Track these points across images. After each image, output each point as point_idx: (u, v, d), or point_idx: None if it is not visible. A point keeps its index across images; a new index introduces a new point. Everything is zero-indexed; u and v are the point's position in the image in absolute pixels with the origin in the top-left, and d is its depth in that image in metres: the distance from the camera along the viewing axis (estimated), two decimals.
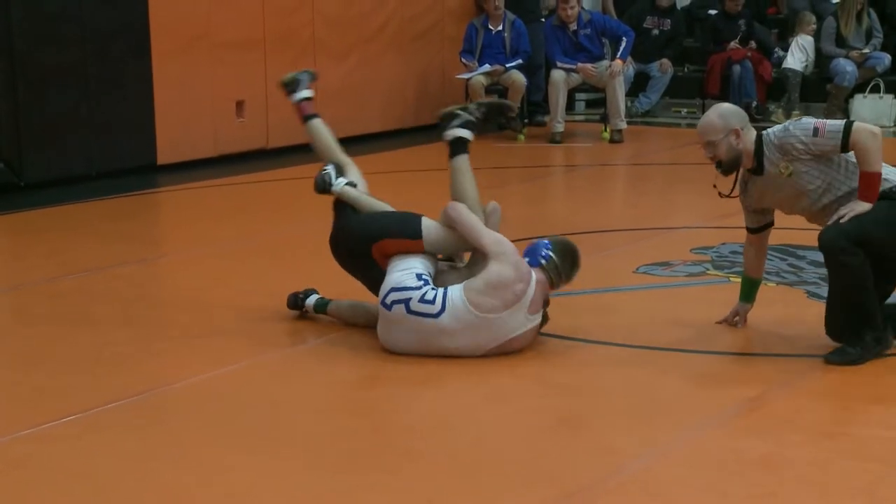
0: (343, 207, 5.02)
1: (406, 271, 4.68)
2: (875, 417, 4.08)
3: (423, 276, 4.67)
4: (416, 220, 4.87)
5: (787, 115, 11.85)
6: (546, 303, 4.79)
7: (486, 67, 10.90)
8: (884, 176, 4.48)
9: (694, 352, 4.78)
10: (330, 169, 5.07)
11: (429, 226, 4.83)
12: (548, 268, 4.72)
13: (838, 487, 3.52)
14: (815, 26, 12.20)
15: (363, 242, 4.83)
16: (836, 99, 11.79)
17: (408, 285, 4.62)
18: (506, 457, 3.76)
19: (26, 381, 4.54)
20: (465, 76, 10.99)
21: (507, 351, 4.69)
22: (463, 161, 5.05)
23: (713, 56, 12.34)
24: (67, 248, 6.84)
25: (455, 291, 4.59)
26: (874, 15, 11.95)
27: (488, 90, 11.10)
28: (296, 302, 5.22)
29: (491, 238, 4.73)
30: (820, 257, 5.52)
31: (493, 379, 4.60)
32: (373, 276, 4.80)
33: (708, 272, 6.08)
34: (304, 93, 5.35)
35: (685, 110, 12.83)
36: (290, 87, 5.40)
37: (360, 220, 4.92)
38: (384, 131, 11.36)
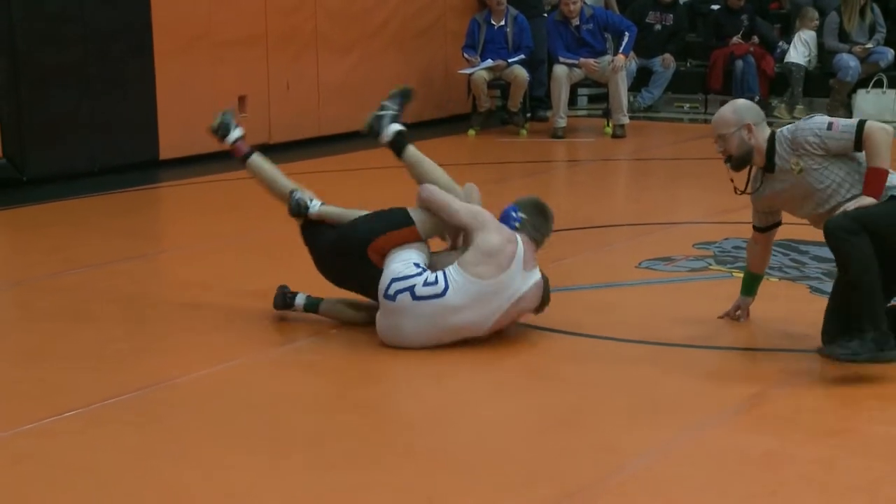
0: (315, 229, 5.01)
1: (403, 262, 4.71)
2: (878, 415, 4.07)
3: (420, 265, 4.72)
4: (400, 210, 4.90)
5: (791, 110, 11.83)
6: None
7: (489, 63, 10.88)
8: (891, 183, 4.41)
9: (696, 347, 4.77)
10: (299, 194, 5.06)
11: (416, 211, 4.88)
12: (524, 228, 4.80)
13: (841, 485, 3.52)
14: (817, 21, 12.18)
15: (358, 247, 4.81)
16: (839, 94, 11.77)
17: (408, 274, 4.66)
18: (506, 455, 3.76)
19: (28, 376, 4.54)
20: (468, 71, 10.98)
21: (516, 319, 4.76)
22: (412, 153, 5.06)
23: (716, 51, 12.32)
24: (69, 244, 6.84)
25: (452, 270, 4.66)
26: (877, 10, 11.93)
27: (490, 85, 11.10)
28: (284, 300, 5.13)
29: (467, 211, 4.79)
30: (823, 253, 5.53)
31: (494, 376, 4.60)
32: (371, 275, 4.78)
33: (710, 267, 6.07)
34: (235, 133, 5.34)
35: (688, 105, 12.81)
36: (221, 131, 5.35)
37: (345, 230, 4.91)
38: None
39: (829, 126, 4.48)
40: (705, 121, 12.42)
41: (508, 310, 4.70)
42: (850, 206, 4.37)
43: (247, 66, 9.96)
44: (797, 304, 5.25)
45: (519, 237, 4.74)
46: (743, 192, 4.77)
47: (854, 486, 3.51)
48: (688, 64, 12.95)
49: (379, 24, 11.20)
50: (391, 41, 11.34)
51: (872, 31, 11.81)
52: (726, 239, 6.62)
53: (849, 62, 11.60)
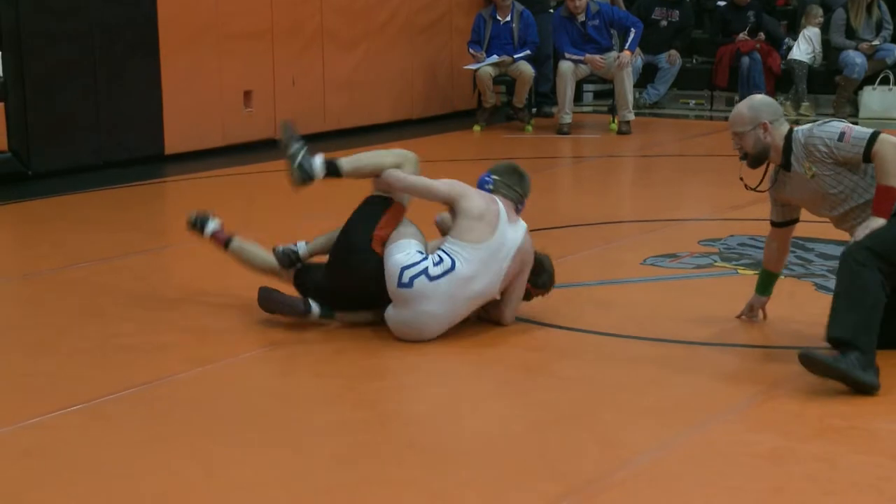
0: (307, 272, 5.03)
1: (405, 253, 4.74)
2: (883, 411, 4.06)
3: (422, 252, 4.78)
4: (372, 197, 4.95)
5: (796, 107, 11.82)
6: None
7: (494, 58, 10.88)
8: None
9: (701, 344, 4.77)
10: (281, 247, 5.06)
11: (387, 189, 4.94)
12: (498, 189, 4.92)
13: (846, 482, 3.51)
14: (821, 18, 12.16)
15: (362, 247, 4.82)
16: (846, 91, 11.75)
17: (416, 260, 4.71)
18: (510, 450, 3.76)
19: (32, 370, 4.55)
20: (473, 67, 10.97)
21: (524, 270, 4.87)
22: (347, 164, 4.97)
23: (722, 47, 12.31)
24: (74, 239, 6.84)
25: (450, 244, 4.76)
26: (884, 6, 11.91)
27: (496, 81, 11.09)
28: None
29: (443, 185, 4.87)
30: (828, 250, 5.53)
31: (499, 371, 4.60)
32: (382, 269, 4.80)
33: (716, 264, 6.06)
34: (212, 225, 5.33)
35: (693, 102, 12.80)
36: (199, 224, 5.35)
37: (342, 243, 4.91)
38: (392, 122, 11.35)
39: (841, 136, 4.41)
40: (711, 117, 12.42)
41: (511, 264, 4.80)
42: (860, 232, 4.29)
43: (252, 61, 9.97)
44: (802, 301, 5.24)
45: (496, 197, 4.87)
46: (755, 189, 4.72)
47: (859, 483, 3.50)
48: (694, 60, 12.95)
49: (385, 20, 11.20)
50: (397, 36, 11.34)
51: (879, 27, 11.79)
52: (732, 236, 6.61)
53: (855, 59, 11.58)
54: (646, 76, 12.47)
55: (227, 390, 4.33)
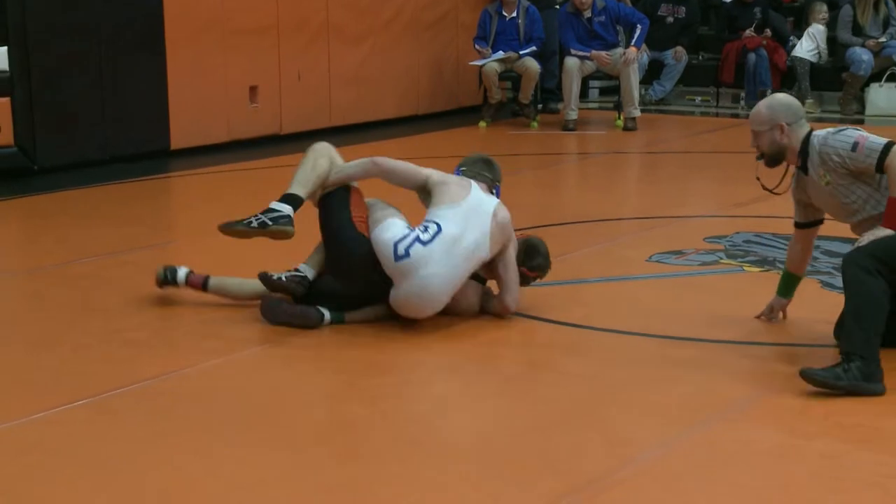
0: (316, 284, 5.02)
1: (392, 231, 4.82)
2: (889, 409, 4.05)
3: (407, 227, 4.87)
4: (326, 196, 5.01)
5: (801, 104, 11.79)
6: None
7: (500, 54, 10.86)
8: None
9: (706, 341, 4.76)
10: (284, 276, 4.96)
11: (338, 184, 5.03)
12: (467, 175, 5.08)
13: (851, 480, 3.50)
14: (826, 15, 12.14)
15: (350, 233, 4.87)
16: (852, 88, 11.72)
17: (405, 233, 4.81)
18: (514, 447, 3.75)
19: (38, 365, 4.55)
20: (479, 63, 10.96)
21: (508, 246, 4.94)
22: (303, 188, 4.97)
23: (728, 44, 12.29)
24: (80, 233, 6.85)
25: (430, 213, 4.90)
26: (891, 4, 11.89)
27: (502, 77, 11.08)
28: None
29: (426, 171, 5.04)
30: (834, 247, 5.51)
31: (503, 368, 4.60)
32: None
33: (721, 261, 6.05)
34: (182, 272, 5.23)
35: (699, 98, 12.78)
36: (170, 277, 5.24)
37: (330, 245, 4.95)
38: (398, 118, 11.35)
39: (855, 146, 4.36)
40: (717, 114, 12.40)
41: (493, 225, 4.87)
42: (865, 238, 4.26)
43: (258, 56, 9.96)
44: (808, 298, 5.23)
45: (470, 180, 5.05)
46: (773, 191, 4.68)
47: (865, 480, 3.49)
48: (700, 57, 12.92)
49: (391, 15, 11.19)
50: (403, 32, 11.34)
51: (886, 24, 11.76)
52: (737, 233, 6.60)
53: (862, 56, 11.56)
54: (652, 73, 12.45)
55: (230, 386, 4.33)
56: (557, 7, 11.61)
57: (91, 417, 4.00)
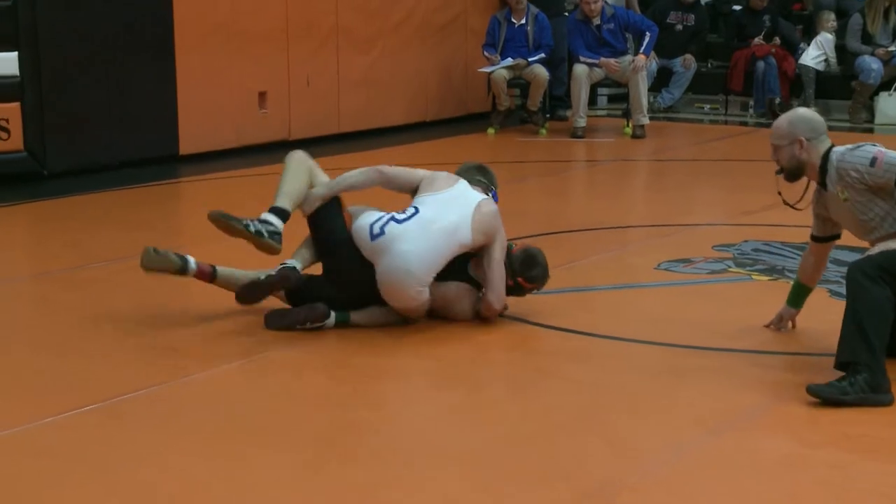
0: (305, 291, 5.01)
1: (370, 216, 4.94)
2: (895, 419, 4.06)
3: (383, 213, 4.98)
4: (316, 212, 5.05)
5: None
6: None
7: (509, 61, 10.87)
8: None
9: (714, 349, 4.76)
10: (276, 268, 4.95)
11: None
12: (470, 179, 5.13)
13: (858, 490, 3.50)
14: (834, 24, 12.14)
15: (343, 235, 4.96)
16: (861, 96, 11.72)
17: (381, 215, 4.92)
18: (524, 453, 3.75)
19: (47, 369, 4.57)
20: (488, 69, 10.97)
21: (493, 242, 4.93)
22: (290, 201, 5.01)
23: (737, 52, 12.29)
24: (89, 238, 6.87)
25: (414, 201, 4.98)
26: None
27: (510, 84, 11.09)
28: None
29: (420, 172, 5.15)
30: (842, 256, 5.51)
31: (512, 374, 4.60)
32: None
33: (730, 269, 6.05)
34: (191, 260, 5.04)
35: (708, 106, 12.78)
36: (182, 265, 5.03)
37: (325, 251, 5.02)
38: (406, 124, 11.36)
39: (873, 162, 4.33)
40: (725, 122, 12.39)
41: (475, 212, 4.89)
42: (875, 249, 4.25)
43: (267, 62, 9.98)
44: (816, 307, 5.22)
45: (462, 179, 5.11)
46: (794, 206, 4.65)
47: (872, 490, 3.49)
48: (709, 65, 12.93)
49: (400, 21, 11.21)
50: (412, 38, 11.35)
51: None
52: (746, 241, 6.60)
53: (871, 64, 11.55)
54: (660, 80, 12.45)
55: (238, 391, 4.34)
56: (566, 14, 11.63)
57: (100, 422, 4.01)
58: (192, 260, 5.07)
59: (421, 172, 5.14)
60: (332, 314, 4.95)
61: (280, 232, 4.95)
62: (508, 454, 3.75)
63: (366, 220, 4.93)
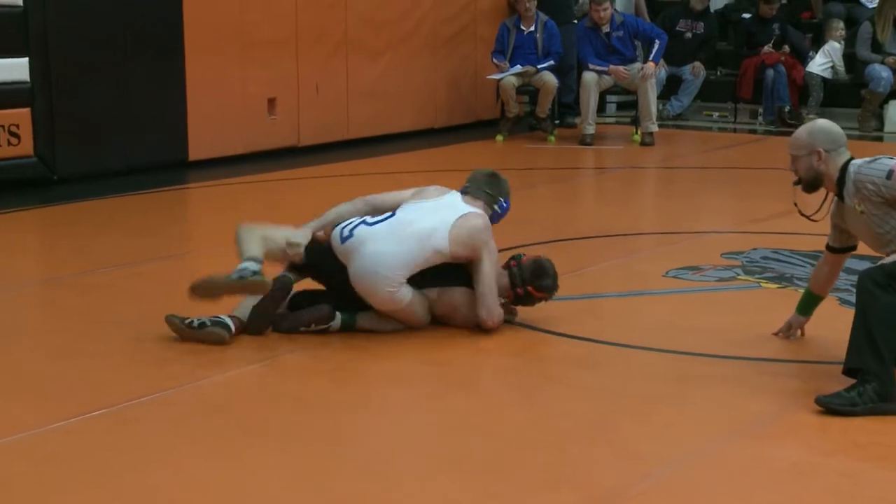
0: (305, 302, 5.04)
1: (344, 222, 5.00)
2: None
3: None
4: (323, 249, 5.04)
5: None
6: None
7: (518, 68, 10.88)
8: None
9: (723, 357, 4.75)
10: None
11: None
12: (467, 190, 5.08)
13: (868, 498, 3.49)
14: (843, 32, 12.13)
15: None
16: (871, 104, 11.70)
17: (352, 220, 4.97)
18: (531, 459, 3.75)
19: (55, 374, 4.57)
20: (497, 77, 10.98)
21: (478, 254, 4.86)
22: (255, 244, 4.93)
23: (746, 60, 12.28)
24: (98, 243, 6.88)
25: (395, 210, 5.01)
26: None
27: (519, 91, 11.10)
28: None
29: (407, 191, 5.16)
30: (852, 264, 5.49)
31: (522, 381, 4.60)
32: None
33: (738, 277, 6.04)
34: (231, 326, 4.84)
35: (717, 114, 12.77)
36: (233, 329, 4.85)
37: (321, 272, 5.04)
38: (415, 130, 11.37)
39: (890, 174, 4.29)
40: (734, 130, 12.39)
41: (457, 221, 4.86)
42: (889, 259, 4.22)
43: (277, 69, 10.00)
44: (826, 315, 5.21)
45: (456, 191, 5.09)
46: (810, 218, 4.61)
47: (881, 498, 3.48)
48: (718, 72, 12.92)
49: (409, 29, 11.22)
50: (421, 46, 11.36)
51: None
52: (755, 249, 6.59)
53: (881, 73, 11.54)
54: (670, 88, 12.45)
55: (248, 396, 4.34)
56: (576, 22, 11.63)
57: (108, 427, 4.01)
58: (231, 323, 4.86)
59: (408, 191, 5.13)
60: (338, 316, 4.95)
61: (259, 271, 4.79)
62: (514, 460, 3.74)
63: (339, 226, 4.98)
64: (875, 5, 12.14)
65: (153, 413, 4.15)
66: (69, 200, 8.07)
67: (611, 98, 13.10)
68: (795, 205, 4.60)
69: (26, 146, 8.36)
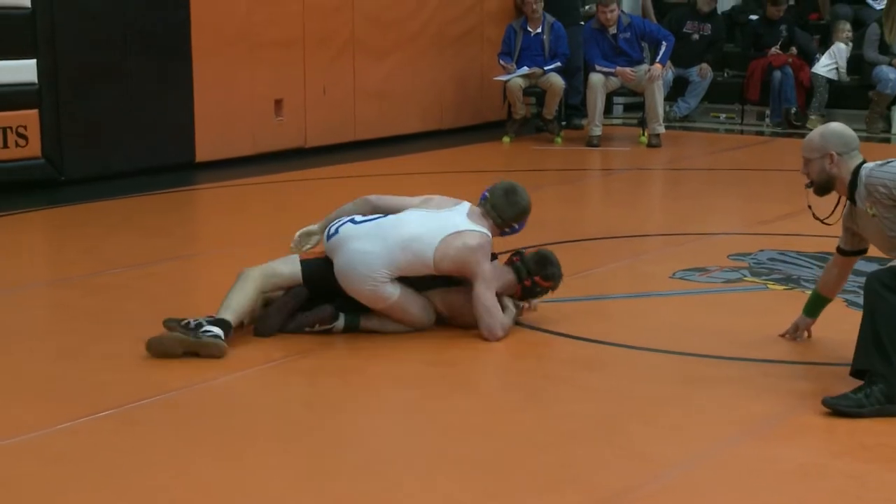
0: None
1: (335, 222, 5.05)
2: None
3: None
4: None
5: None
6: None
7: (525, 70, 10.88)
8: None
9: (730, 359, 4.74)
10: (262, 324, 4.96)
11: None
12: (484, 205, 5.04)
13: (875, 500, 3.49)
14: (849, 34, 12.11)
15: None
16: (878, 106, 11.68)
17: (342, 220, 5.00)
18: (538, 461, 3.75)
19: (64, 375, 4.58)
20: (503, 78, 10.98)
21: (465, 269, 4.86)
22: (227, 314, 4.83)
23: (753, 61, 12.27)
24: (105, 244, 6.89)
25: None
26: None
27: (526, 92, 11.10)
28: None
29: (414, 199, 5.15)
30: (860, 266, 5.48)
31: (527, 383, 4.60)
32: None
33: (745, 279, 6.04)
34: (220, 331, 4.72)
35: (724, 116, 12.76)
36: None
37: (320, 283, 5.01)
38: (422, 132, 11.37)
39: None
40: (741, 131, 12.37)
41: (450, 235, 4.84)
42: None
43: (284, 70, 10.01)
44: (833, 317, 5.21)
45: (468, 203, 5.04)
46: (824, 221, 4.60)
47: (889, 500, 3.48)
48: (725, 74, 12.91)
49: (416, 30, 11.23)
50: (428, 47, 11.37)
51: None
52: (761, 250, 6.58)
53: (888, 74, 11.52)
54: (676, 89, 12.44)
55: (255, 398, 4.35)
56: (583, 23, 11.63)
57: (116, 428, 4.02)
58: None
59: (415, 199, 5.10)
60: (342, 316, 4.96)
61: (219, 335, 4.65)
62: (521, 462, 3.75)
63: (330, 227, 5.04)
64: (883, 7, 12.11)
65: (160, 414, 4.16)
66: (77, 202, 8.08)
67: (618, 100, 13.10)
68: (809, 207, 4.59)
69: (34, 147, 8.37)
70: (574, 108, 11.79)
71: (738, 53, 12.85)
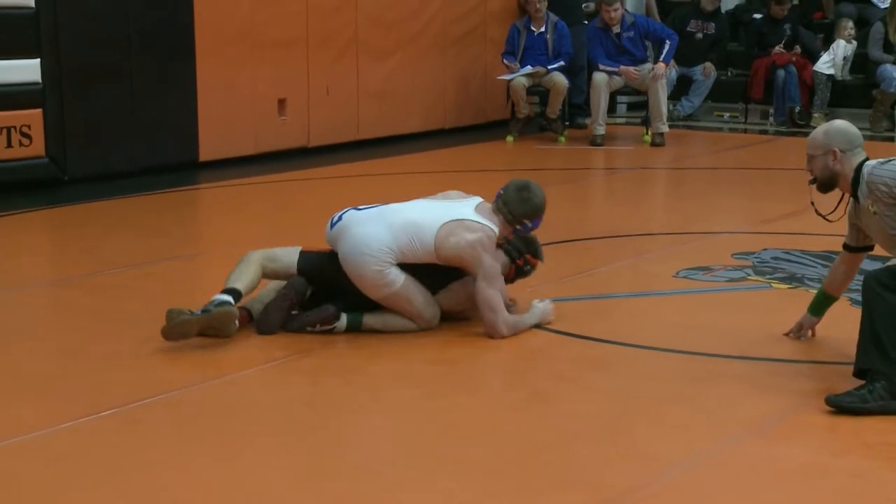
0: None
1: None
2: None
3: None
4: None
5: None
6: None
7: (528, 69, 10.87)
8: None
9: (734, 358, 4.73)
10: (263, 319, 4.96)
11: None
12: (496, 201, 5.03)
13: (878, 498, 3.48)
14: (852, 32, 12.09)
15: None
16: (882, 105, 11.66)
17: (346, 210, 5.03)
18: (541, 460, 3.74)
19: (65, 374, 4.58)
20: (507, 77, 10.97)
21: (464, 263, 4.87)
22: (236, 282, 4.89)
23: (757, 60, 12.25)
24: (108, 244, 6.89)
25: None
26: None
27: (530, 91, 11.09)
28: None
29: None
30: (864, 264, 5.48)
31: (530, 382, 4.59)
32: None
33: (749, 278, 6.02)
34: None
35: (728, 114, 12.75)
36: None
37: (323, 275, 5.04)
38: (425, 131, 11.37)
39: None
40: (745, 130, 12.36)
41: (451, 224, 4.84)
42: (894, 260, 4.22)
43: (287, 70, 10.00)
44: (837, 316, 5.19)
45: (480, 198, 5.06)
46: (826, 218, 4.59)
47: (891, 499, 3.47)
48: (729, 73, 12.90)
49: (419, 30, 11.22)
50: (431, 46, 11.36)
51: None
52: (765, 249, 6.57)
53: (893, 73, 11.50)
54: (680, 88, 12.43)
55: (257, 397, 4.34)
56: (586, 22, 11.62)
57: (118, 427, 4.01)
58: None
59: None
60: (344, 316, 4.95)
61: (226, 301, 4.72)
62: (523, 461, 3.74)
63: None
64: (887, 5, 12.09)
65: (162, 413, 4.16)
66: (80, 201, 8.08)
67: (621, 98, 13.08)
68: (812, 203, 4.59)
69: (37, 147, 8.37)
70: (577, 107, 11.78)
71: (741, 52, 12.84)
